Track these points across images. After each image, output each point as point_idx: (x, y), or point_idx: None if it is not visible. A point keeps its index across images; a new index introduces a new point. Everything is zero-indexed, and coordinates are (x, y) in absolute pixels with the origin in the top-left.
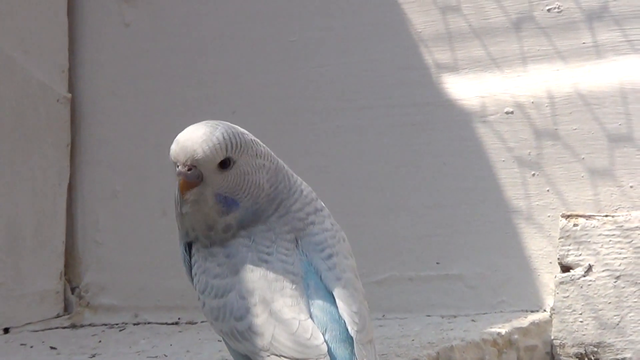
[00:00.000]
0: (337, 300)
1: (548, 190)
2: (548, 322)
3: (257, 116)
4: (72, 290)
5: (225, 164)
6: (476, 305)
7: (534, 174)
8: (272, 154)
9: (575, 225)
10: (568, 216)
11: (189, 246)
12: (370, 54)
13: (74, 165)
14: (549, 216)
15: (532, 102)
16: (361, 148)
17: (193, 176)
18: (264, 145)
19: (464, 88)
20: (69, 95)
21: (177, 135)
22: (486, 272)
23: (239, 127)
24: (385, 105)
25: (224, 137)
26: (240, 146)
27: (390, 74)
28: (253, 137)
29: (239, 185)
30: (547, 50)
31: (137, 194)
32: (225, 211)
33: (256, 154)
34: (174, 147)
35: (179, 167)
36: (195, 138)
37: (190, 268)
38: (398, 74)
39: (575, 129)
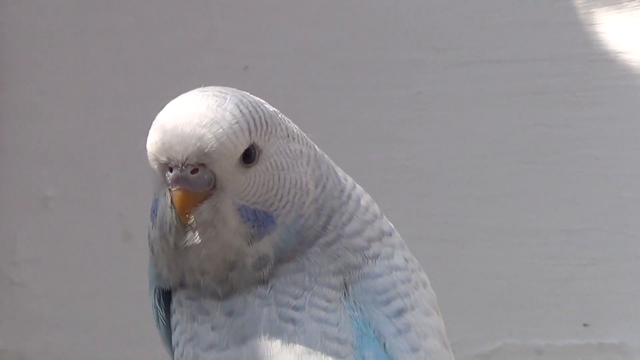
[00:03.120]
0: None
1: None
2: None
3: (280, 75)
4: None
5: (249, 156)
6: None
7: None
8: (305, 136)
9: None
10: None
11: (164, 296)
12: None
13: None
14: None
15: None
16: (457, 131)
17: (201, 182)
18: (292, 122)
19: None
20: None
21: (158, 112)
22: None
23: (251, 95)
24: (498, 59)
25: (241, 111)
26: (266, 124)
27: (508, 6)
28: (275, 109)
29: (272, 189)
30: None
31: (82, 204)
32: (255, 234)
33: (288, 135)
34: (158, 136)
35: (173, 169)
36: (198, 117)
37: (168, 332)
38: (522, 7)
39: None
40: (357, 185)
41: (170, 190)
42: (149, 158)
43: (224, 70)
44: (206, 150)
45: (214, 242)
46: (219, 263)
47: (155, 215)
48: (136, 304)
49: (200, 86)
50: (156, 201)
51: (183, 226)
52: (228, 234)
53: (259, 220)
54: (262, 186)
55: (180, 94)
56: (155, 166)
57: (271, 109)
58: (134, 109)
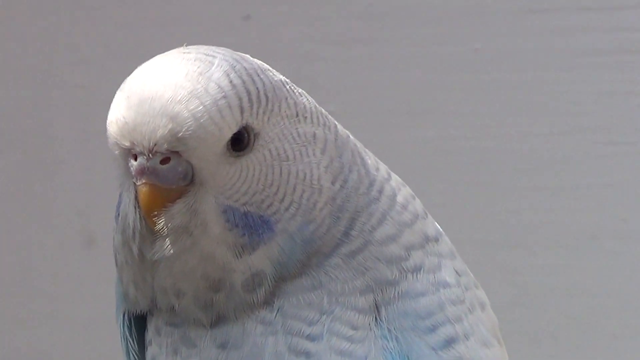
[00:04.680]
0: None
1: None
2: None
3: (290, 27)
4: None
5: (240, 141)
6: None
7: None
8: (325, 112)
9: None
10: None
11: (137, 322)
12: None
13: None
14: None
15: None
16: (527, 100)
17: (173, 175)
18: (307, 95)
19: None
20: None
21: (124, 80)
22: None
23: (252, 58)
24: (581, 5)
25: (231, 82)
26: (266, 99)
27: None
28: (284, 78)
29: (270, 185)
30: None
31: (29, 199)
32: (246, 244)
33: (297, 113)
34: (120, 113)
35: (138, 157)
36: (172, 88)
37: None
38: None
39: None
40: (393, 176)
41: (134, 184)
42: (109, 141)
43: (219, 21)
44: (180, 134)
45: (191, 255)
46: (199, 282)
47: (119, 215)
48: (100, 332)
49: (183, 44)
50: (120, 196)
51: (150, 232)
52: (209, 243)
53: (250, 226)
54: (257, 182)
55: (157, 54)
56: (117, 151)
57: (277, 77)
58: (99, 74)
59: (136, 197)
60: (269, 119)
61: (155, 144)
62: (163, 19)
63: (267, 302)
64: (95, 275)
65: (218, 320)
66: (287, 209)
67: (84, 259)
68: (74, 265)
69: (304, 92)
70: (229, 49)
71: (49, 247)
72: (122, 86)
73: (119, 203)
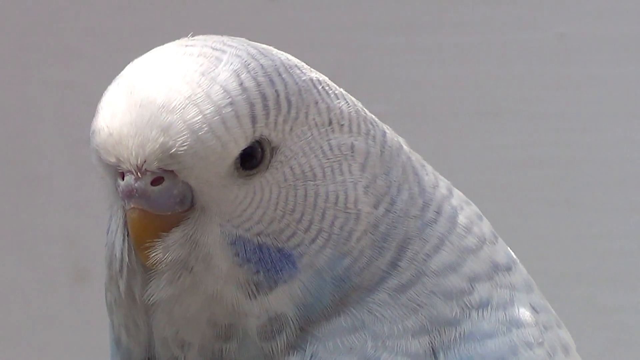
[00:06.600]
0: None
1: None
2: None
3: (326, 9)
4: None
5: (252, 157)
6: None
7: None
8: (370, 117)
9: None
10: None
11: None
12: None
13: None
14: None
15: None
16: (628, 97)
17: (167, 199)
18: (347, 96)
19: None
20: None
21: (109, 83)
22: None
23: (276, 52)
24: None
25: (242, 84)
26: (288, 104)
27: None
28: (316, 76)
29: (292, 211)
30: None
31: (9, 224)
32: (262, 282)
33: (330, 121)
34: (104, 122)
35: (126, 176)
36: (166, 92)
37: None
38: None
39: None
40: (456, 192)
41: (123, 208)
42: (92, 155)
43: (240, 3)
44: (173, 149)
45: (192, 296)
46: (205, 329)
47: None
48: None
49: (189, 34)
50: (110, 221)
51: (142, 268)
52: (214, 282)
53: (266, 261)
54: (275, 207)
55: (156, 46)
56: (101, 168)
57: (306, 76)
58: (91, 68)
59: (125, 225)
60: (291, 129)
61: (144, 161)
62: (168, 3)
63: (296, 348)
64: (86, 317)
65: None
66: (313, 240)
67: (74, 297)
68: (61, 305)
69: (344, 93)
70: (245, 41)
71: (31, 283)
72: (109, 87)
73: (108, 229)
